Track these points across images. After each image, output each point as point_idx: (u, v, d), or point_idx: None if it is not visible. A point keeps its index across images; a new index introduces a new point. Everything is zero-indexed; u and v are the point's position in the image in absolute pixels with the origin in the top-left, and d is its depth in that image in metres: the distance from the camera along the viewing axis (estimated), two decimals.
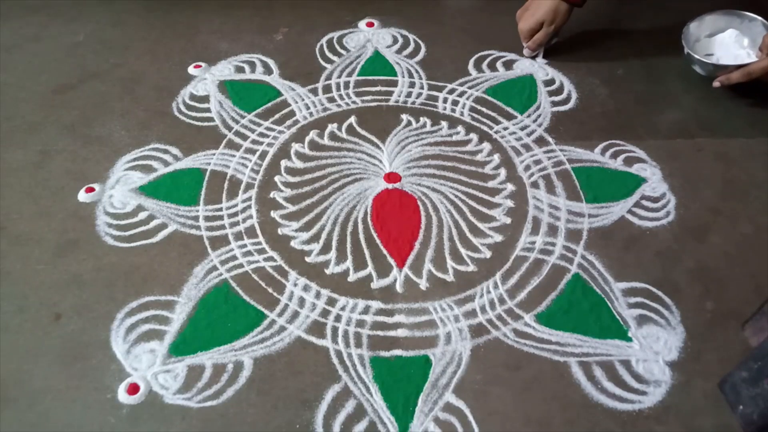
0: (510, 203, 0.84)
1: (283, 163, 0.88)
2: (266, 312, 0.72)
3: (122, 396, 0.65)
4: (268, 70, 1.02)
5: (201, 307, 0.72)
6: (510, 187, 0.87)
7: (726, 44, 1.01)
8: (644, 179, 0.88)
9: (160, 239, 0.78)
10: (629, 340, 0.71)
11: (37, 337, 0.69)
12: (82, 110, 0.94)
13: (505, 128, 0.94)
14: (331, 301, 0.73)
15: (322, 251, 0.78)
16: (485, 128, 0.94)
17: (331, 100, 0.97)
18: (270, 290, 0.74)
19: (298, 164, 0.88)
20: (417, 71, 1.03)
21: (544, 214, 0.83)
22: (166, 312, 0.71)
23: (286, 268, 0.76)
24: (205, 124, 0.93)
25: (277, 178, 0.86)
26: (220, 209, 0.82)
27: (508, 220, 0.82)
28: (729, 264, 0.79)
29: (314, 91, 0.99)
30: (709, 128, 0.96)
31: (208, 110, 0.95)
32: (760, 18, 0.99)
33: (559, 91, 1.01)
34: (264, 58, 1.04)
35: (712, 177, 0.89)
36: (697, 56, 0.97)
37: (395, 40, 1.09)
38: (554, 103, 0.99)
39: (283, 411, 0.64)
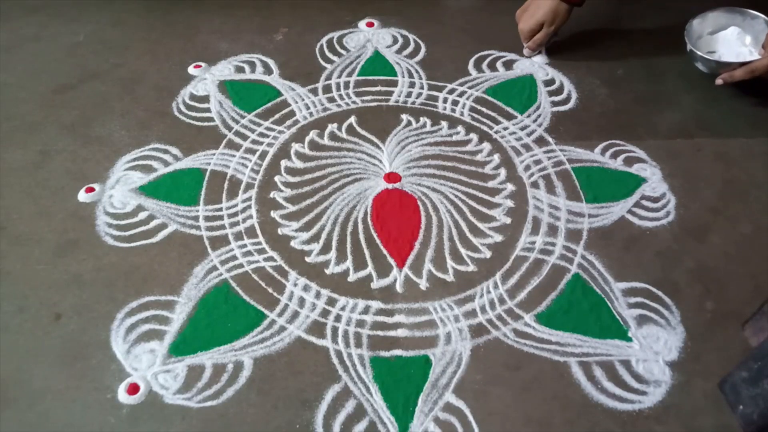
0: (510, 203, 0.84)
1: (283, 163, 0.88)
2: (266, 312, 0.72)
3: (122, 396, 0.64)
4: (268, 70, 1.02)
5: (201, 307, 0.72)
6: (510, 187, 0.87)
7: (728, 42, 1.01)
8: (644, 179, 0.88)
9: (160, 239, 0.78)
10: (629, 340, 0.71)
11: (37, 337, 0.69)
12: (82, 110, 0.94)
13: (505, 128, 0.94)
14: (331, 301, 0.73)
15: (322, 251, 0.78)
16: (485, 128, 0.94)
17: (331, 100, 0.97)
18: (270, 290, 0.74)
19: (298, 164, 0.88)
20: (417, 71, 1.03)
21: (544, 214, 0.83)
22: (166, 312, 0.71)
23: (286, 268, 0.76)
24: (205, 124, 0.93)
25: (277, 178, 0.86)
26: (220, 209, 0.82)
27: (508, 220, 0.82)
28: (729, 264, 0.79)
29: (314, 91, 0.99)
30: (709, 128, 0.96)
31: (208, 110, 0.95)
32: (762, 16, 0.99)
33: (559, 91, 1.01)
34: (264, 58, 1.04)
35: (712, 177, 0.89)
36: (699, 53, 0.97)
37: (395, 40, 1.09)
38: (554, 103, 0.99)
39: (283, 411, 0.64)
